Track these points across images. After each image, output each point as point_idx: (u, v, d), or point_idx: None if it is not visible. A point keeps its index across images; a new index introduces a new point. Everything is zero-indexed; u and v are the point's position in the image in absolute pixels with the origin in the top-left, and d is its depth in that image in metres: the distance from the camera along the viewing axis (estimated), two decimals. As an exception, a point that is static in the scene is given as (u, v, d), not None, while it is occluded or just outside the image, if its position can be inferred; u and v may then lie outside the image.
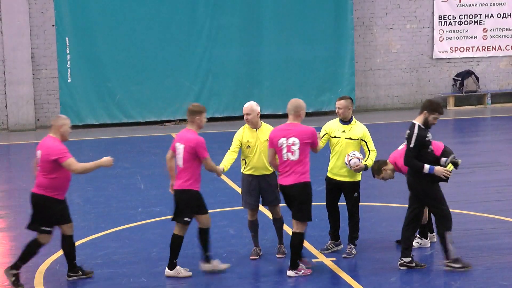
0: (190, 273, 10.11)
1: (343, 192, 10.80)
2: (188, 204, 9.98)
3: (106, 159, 9.81)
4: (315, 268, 10.13)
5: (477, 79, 24.94)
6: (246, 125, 10.65)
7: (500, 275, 9.94)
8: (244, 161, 10.70)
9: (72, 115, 22.75)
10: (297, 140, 9.82)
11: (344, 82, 24.08)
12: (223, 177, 15.62)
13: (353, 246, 10.76)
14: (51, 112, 23.15)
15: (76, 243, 11.47)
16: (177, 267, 10.08)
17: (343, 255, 10.69)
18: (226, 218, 12.57)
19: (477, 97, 25.36)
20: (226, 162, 10.55)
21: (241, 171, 10.75)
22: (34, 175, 9.95)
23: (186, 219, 9.97)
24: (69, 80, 22.76)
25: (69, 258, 10.10)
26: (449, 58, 25.16)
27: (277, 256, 10.71)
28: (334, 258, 10.58)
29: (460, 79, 24.87)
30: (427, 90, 25.10)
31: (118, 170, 16.96)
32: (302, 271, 9.96)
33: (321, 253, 10.79)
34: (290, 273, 9.95)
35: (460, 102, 25.14)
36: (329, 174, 10.78)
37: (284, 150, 9.86)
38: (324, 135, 10.77)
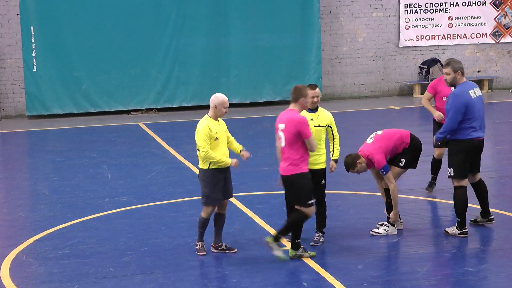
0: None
1: (310, 180, 10.80)
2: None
3: None
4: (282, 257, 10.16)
5: (443, 67, 25.07)
6: (206, 116, 10.34)
7: (466, 261, 10.04)
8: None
9: (38, 105, 22.64)
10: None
11: (311, 71, 24.11)
12: (190, 165, 15.61)
13: (321, 234, 10.81)
14: (16, 102, 22.95)
15: (43, 234, 11.49)
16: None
17: (311, 243, 10.72)
18: (193, 207, 12.51)
19: (443, 85, 25.48)
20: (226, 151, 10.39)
21: (205, 167, 10.25)
22: None
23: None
24: (34, 70, 22.56)
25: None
26: (415, 46, 25.28)
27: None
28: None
29: (426, 67, 25.01)
30: (393, 78, 25.21)
31: (85, 159, 16.87)
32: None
33: (289, 241, 10.81)
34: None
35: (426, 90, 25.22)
36: (296, 162, 10.75)
37: None
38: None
